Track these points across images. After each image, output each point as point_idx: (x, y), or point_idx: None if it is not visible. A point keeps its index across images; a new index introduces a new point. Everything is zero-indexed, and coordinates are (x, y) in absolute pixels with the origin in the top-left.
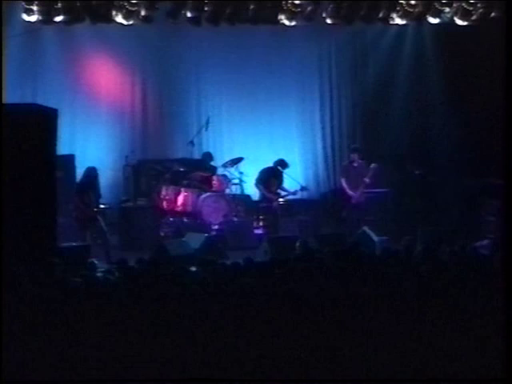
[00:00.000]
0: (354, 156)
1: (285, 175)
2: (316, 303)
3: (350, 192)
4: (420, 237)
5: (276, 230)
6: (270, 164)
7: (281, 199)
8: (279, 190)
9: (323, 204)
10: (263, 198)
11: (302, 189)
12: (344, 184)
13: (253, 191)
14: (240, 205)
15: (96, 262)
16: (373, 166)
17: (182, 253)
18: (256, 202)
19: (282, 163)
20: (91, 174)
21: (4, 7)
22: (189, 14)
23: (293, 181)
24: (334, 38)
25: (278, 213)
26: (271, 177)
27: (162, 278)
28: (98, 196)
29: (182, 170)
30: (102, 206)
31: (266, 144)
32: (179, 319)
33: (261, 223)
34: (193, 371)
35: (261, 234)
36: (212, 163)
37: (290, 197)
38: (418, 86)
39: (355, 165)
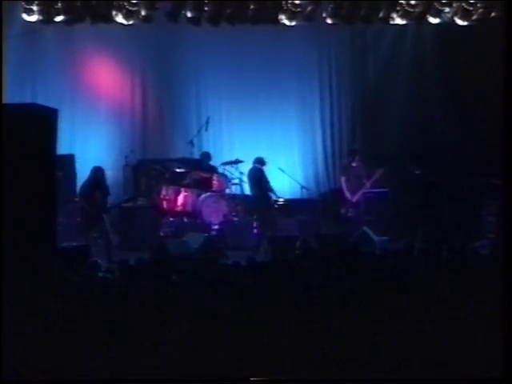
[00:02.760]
0: (353, 156)
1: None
2: (316, 303)
3: (347, 192)
4: (420, 237)
5: (274, 230)
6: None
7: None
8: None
9: (323, 204)
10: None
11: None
12: (343, 184)
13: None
14: (240, 205)
15: (98, 261)
16: (380, 170)
17: (182, 253)
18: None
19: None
20: (97, 174)
21: (4, 7)
22: (189, 14)
23: (293, 181)
24: (333, 38)
25: (274, 212)
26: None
27: (162, 278)
28: (106, 195)
29: (181, 170)
30: (108, 206)
31: (266, 144)
32: (179, 319)
33: (256, 223)
34: (193, 371)
35: (260, 234)
36: (211, 163)
37: (290, 197)
38: (418, 85)
39: (354, 165)
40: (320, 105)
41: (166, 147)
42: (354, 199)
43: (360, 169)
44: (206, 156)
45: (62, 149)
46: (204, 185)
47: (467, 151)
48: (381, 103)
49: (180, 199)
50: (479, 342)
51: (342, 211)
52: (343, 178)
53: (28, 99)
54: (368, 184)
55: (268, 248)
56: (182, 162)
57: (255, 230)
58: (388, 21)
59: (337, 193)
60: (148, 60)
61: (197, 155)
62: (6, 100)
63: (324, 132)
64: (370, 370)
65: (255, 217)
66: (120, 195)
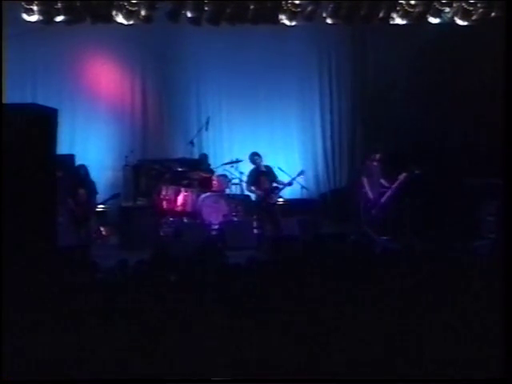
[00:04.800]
0: (376, 156)
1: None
2: (316, 303)
3: (370, 192)
4: (420, 237)
5: (277, 229)
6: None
7: (279, 197)
8: (275, 184)
9: (323, 204)
10: (257, 197)
11: (298, 175)
12: (365, 184)
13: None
14: (240, 205)
15: (93, 261)
16: (404, 174)
17: (182, 253)
18: (254, 202)
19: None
20: (80, 171)
21: (4, 7)
22: (189, 14)
23: (288, 176)
24: (333, 38)
25: (276, 210)
26: (260, 175)
27: (161, 278)
28: (92, 193)
29: (181, 170)
30: (99, 206)
31: (266, 144)
32: (178, 319)
33: (257, 223)
34: (193, 371)
35: (260, 234)
36: (209, 164)
37: (290, 197)
38: (418, 86)
39: (375, 164)
40: (320, 105)
41: (166, 147)
42: (383, 200)
43: (379, 169)
44: (204, 158)
45: (62, 149)
46: (204, 185)
47: (467, 151)
48: (381, 103)
49: (180, 199)
50: (479, 341)
51: (367, 212)
52: (365, 179)
53: (28, 99)
54: (393, 187)
55: (268, 248)
56: (182, 162)
57: (255, 230)
58: (388, 21)
59: (357, 193)
60: (148, 60)
61: (197, 155)
62: (6, 100)
63: (324, 131)
64: (369, 369)
65: (256, 217)
66: (120, 196)
